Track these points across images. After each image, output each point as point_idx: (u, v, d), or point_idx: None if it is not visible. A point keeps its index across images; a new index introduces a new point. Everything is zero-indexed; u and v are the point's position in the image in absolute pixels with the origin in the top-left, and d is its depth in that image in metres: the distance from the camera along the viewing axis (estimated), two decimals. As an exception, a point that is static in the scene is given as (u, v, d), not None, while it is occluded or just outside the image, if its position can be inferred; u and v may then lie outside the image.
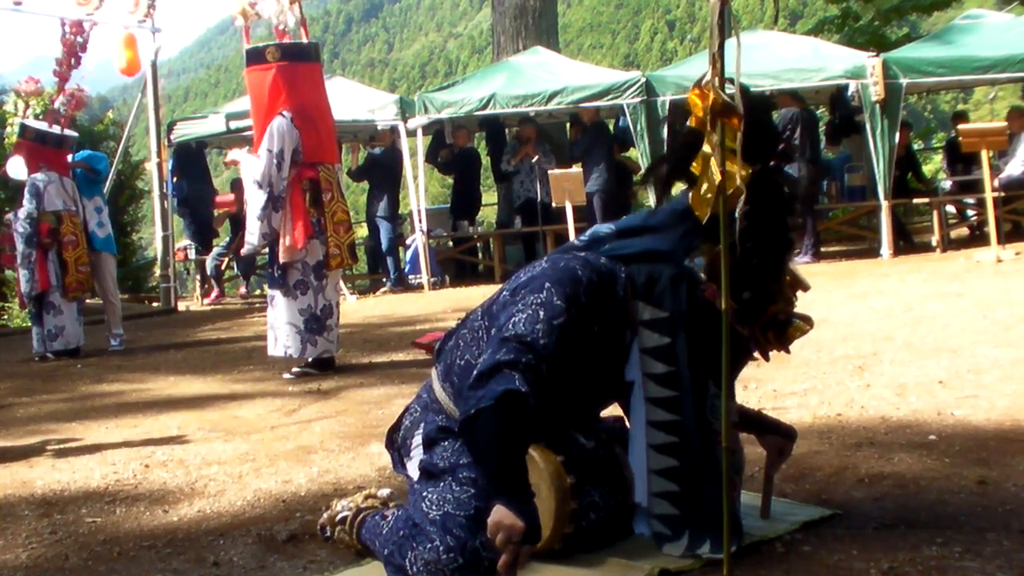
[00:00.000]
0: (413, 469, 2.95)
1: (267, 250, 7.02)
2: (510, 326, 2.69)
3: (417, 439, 3.01)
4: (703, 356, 2.77)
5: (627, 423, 2.96)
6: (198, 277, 15.49)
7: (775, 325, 2.78)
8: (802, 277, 2.87)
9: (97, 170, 9.87)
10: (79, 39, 10.09)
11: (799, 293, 2.84)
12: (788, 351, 2.87)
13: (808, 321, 2.87)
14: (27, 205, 9.00)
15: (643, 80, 13.08)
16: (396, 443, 3.15)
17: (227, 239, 14.86)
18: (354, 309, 11.34)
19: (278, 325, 6.94)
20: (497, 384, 2.57)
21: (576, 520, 2.81)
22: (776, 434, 3.19)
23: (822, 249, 12.96)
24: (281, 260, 6.85)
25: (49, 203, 9.04)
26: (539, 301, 2.71)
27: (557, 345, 2.67)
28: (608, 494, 2.91)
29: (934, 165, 19.63)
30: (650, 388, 2.83)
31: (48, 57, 10.21)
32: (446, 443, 2.89)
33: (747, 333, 2.76)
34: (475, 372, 2.65)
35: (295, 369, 7.05)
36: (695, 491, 2.81)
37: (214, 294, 14.63)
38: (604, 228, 2.96)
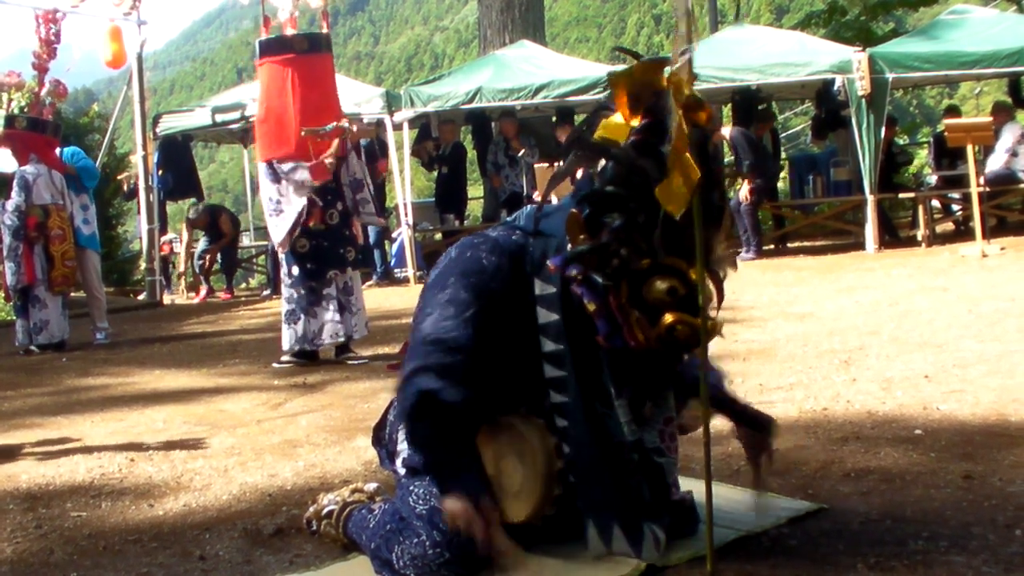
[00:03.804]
0: (400, 465, 2.94)
1: (329, 233, 7.02)
2: (422, 328, 2.71)
3: (401, 434, 3.00)
4: (579, 334, 2.68)
5: None
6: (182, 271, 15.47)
7: (644, 306, 2.50)
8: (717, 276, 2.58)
9: (92, 173, 9.82)
10: (53, 29, 10.00)
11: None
12: (671, 354, 2.62)
13: (714, 323, 2.54)
14: (15, 198, 8.93)
15: (630, 74, 13.05)
16: (383, 440, 3.14)
17: (206, 236, 14.78)
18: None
19: (362, 305, 7.15)
20: (409, 390, 2.65)
21: (559, 504, 2.82)
22: (749, 426, 3.05)
23: (808, 244, 13.01)
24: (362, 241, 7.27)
25: (37, 196, 8.98)
26: (446, 298, 2.71)
27: (474, 336, 2.66)
28: None
29: (920, 160, 19.70)
30: (546, 368, 2.77)
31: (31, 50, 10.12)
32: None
33: (594, 307, 2.54)
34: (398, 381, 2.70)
35: (284, 359, 7.07)
36: (588, 478, 2.75)
37: (203, 291, 14.59)
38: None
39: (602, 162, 2.58)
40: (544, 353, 2.75)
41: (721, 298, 2.61)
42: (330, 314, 6.91)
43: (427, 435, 2.68)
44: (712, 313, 2.55)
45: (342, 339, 7.00)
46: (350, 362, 7.03)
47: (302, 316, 6.91)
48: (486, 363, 2.70)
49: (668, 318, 2.47)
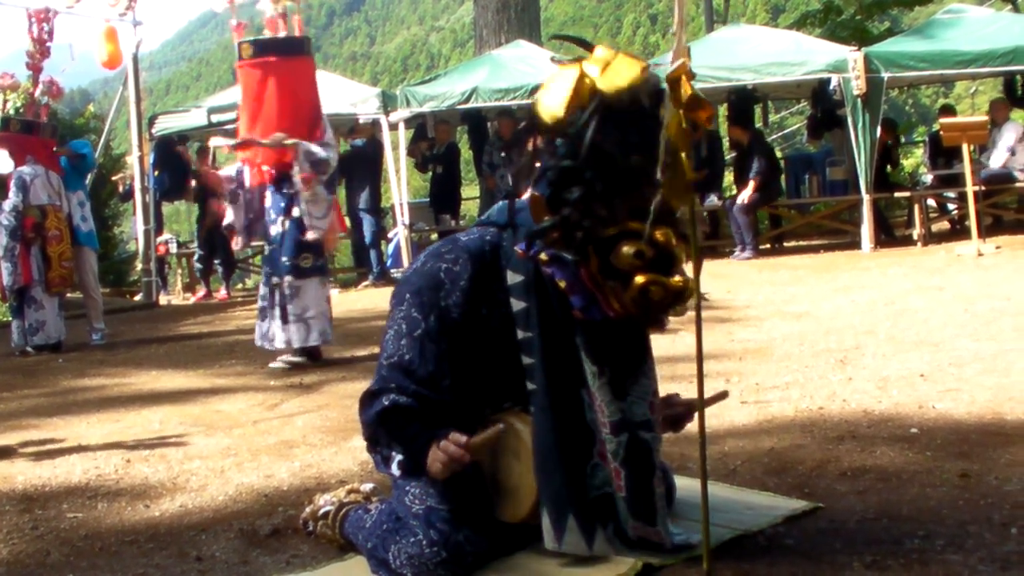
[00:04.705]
0: (395, 467, 2.93)
1: (280, 240, 6.96)
2: (385, 347, 2.86)
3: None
4: (552, 319, 2.67)
5: None
6: (179, 272, 15.43)
7: (615, 273, 2.49)
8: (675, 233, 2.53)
9: (82, 155, 9.83)
10: (46, 28, 9.98)
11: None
12: (649, 318, 2.56)
13: (686, 281, 2.51)
14: (12, 198, 8.92)
15: (626, 73, 13.04)
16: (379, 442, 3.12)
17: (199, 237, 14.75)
18: (336, 303, 11.26)
19: (314, 314, 6.98)
20: (372, 409, 2.86)
21: None
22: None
23: (804, 243, 13.00)
24: (331, 248, 7.32)
25: (35, 197, 8.96)
26: (401, 315, 2.82)
27: (428, 351, 2.77)
28: None
29: (915, 159, 19.71)
30: (522, 357, 2.76)
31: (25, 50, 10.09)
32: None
33: (566, 284, 2.53)
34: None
35: (281, 359, 7.06)
36: (547, 466, 2.70)
37: (201, 292, 14.58)
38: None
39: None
40: (519, 341, 2.75)
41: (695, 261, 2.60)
42: (276, 321, 6.95)
43: (391, 435, 2.85)
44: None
45: (281, 346, 7.00)
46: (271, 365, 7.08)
47: (266, 316, 7.01)
48: (458, 359, 2.78)
49: (639, 279, 2.46)
